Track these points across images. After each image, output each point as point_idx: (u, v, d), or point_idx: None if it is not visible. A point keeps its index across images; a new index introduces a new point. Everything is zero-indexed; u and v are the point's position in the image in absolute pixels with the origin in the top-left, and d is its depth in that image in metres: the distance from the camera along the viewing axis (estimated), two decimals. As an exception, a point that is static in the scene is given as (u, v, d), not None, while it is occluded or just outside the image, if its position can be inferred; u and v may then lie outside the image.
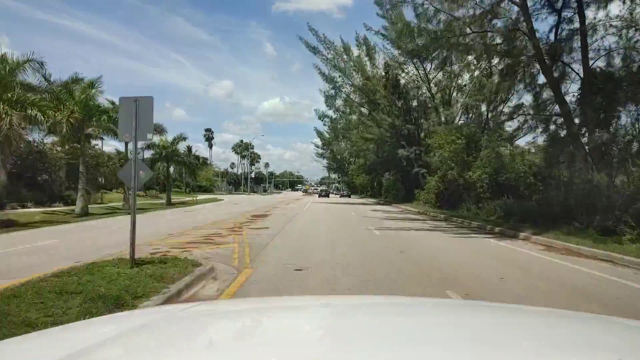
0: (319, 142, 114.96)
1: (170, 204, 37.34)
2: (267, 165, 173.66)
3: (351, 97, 40.10)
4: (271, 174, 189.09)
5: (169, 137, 39.13)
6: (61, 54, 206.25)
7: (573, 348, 1.20)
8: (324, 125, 65.62)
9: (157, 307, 2.87)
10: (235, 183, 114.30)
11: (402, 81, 39.57)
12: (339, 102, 46.60)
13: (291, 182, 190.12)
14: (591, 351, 1.18)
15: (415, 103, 39.71)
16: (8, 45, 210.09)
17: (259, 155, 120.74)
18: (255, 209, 29.32)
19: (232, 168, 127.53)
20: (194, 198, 43.01)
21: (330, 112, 65.59)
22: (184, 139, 39.63)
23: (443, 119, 36.67)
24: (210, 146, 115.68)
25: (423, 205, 34.06)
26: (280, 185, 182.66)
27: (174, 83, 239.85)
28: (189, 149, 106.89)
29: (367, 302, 2.17)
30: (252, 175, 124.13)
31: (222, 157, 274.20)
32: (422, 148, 38.30)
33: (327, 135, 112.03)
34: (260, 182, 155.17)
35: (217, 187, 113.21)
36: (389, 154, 39.80)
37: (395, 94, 39.10)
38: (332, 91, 39.47)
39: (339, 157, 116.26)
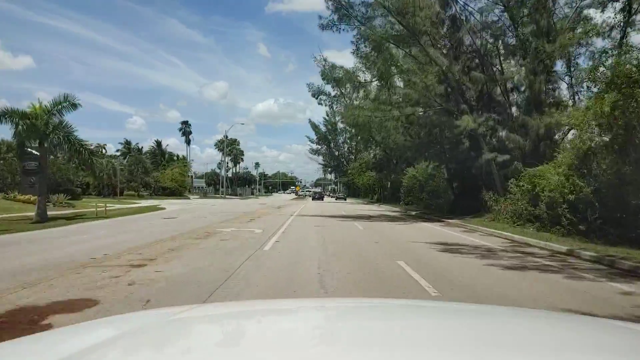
0: (314, 137, 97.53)
1: (44, 220, 19.67)
2: (257, 165, 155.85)
3: (367, 29, 22.37)
4: (263, 174, 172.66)
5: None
6: (55, 55, 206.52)
7: (572, 350, 1.16)
8: (320, 104, 48.20)
9: (151, 311, 2.33)
10: (217, 184, 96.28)
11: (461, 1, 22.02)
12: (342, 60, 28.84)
13: (284, 183, 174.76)
14: (591, 353, 1.14)
15: (478, 41, 22.16)
16: (0, 47, 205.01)
17: (242, 152, 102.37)
18: (156, 240, 11.86)
19: (220, 168, 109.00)
20: (97, 208, 25.16)
21: (328, 88, 48.37)
22: (74, 104, 22.02)
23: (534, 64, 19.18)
24: (188, 142, 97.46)
25: (516, 223, 16.66)
26: (270, 187, 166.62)
27: (168, 85, 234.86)
28: (159, 143, 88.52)
29: (363, 305, 2.11)
30: (230, 174, 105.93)
31: (216, 159, 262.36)
32: (497, 117, 20.79)
33: (323, 128, 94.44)
34: (249, 184, 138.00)
35: (199, 188, 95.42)
36: (433, 129, 22.22)
37: (444, 23, 21.58)
38: (334, 17, 21.83)
39: (337, 153, 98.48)
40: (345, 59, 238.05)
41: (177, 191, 64.73)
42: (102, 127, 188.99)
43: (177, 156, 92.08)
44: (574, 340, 1.28)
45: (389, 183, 45.18)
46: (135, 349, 1.21)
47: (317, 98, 48.68)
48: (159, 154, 71.54)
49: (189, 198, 59.36)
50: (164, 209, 31.42)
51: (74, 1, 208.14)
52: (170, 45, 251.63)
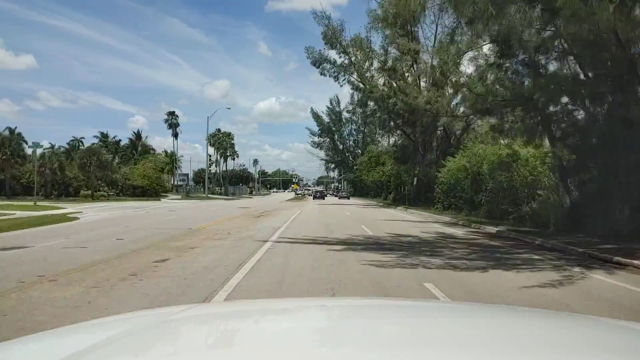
0: (316, 130, 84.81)
1: None
2: (255, 162, 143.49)
3: None
4: (262, 172, 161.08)
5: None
6: (56, 55, 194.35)
7: (572, 350, 1.13)
8: (322, 74, 36.19)
9: (151, 310, 2.27)
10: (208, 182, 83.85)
11: None
12: None
13: (285, 181, 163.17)
14: (591, 353, 1.11)
15: None
16: (2, 46, 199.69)
17: (233, 145, 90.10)
18: None
19: (217, 166, 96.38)
20: None
21: (333, 54, 36.24)
22: None
23: None
24: (176, 135, 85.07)
25: None
26: (268, 185, 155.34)
27: (170, 84, 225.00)
28: (138, 135, 75.66)
29: (365, 305, 2.03)
30: (218, 170, 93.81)
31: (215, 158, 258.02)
32: None
33: (327, 118, 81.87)
34: (246, 182, 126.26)
35: (191, 187, 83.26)
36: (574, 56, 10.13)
37: None
38: None
39: (341, 146, 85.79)
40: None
41: (151, 190, 52.62)
42: (104, 127, 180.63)
43: (169, 152, 79.98)
44: (575, 340, 1.25)
45: (415, 178, 32.98)
46: (133, 349, 1.17)
47: (318, 67, 36.37)
48: (130, 147, 59.21)
49: (159, 199, 47.19)
50: (74, 219, 19.36)
51: (76, 1, 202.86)
52: (172, 44, 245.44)
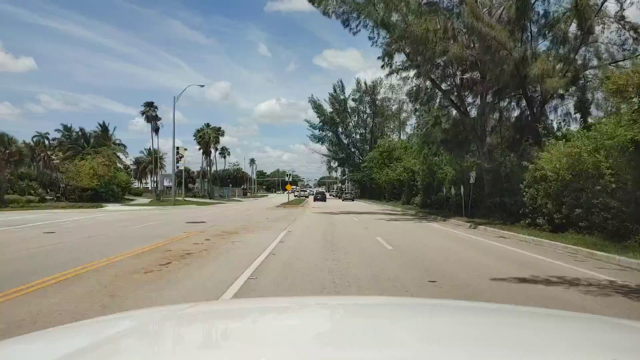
0: (315, 120, 71.84)
1: None
2: (252, 161, 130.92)
3: None
4: (262, 173, 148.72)
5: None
6: (57, 57, 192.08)
7: (569, 348, 1.12)
8: (326, 14, 23.81)
9: (156, 308, 2.28)
10: (188, 183, 71.31)
11: None
12: None
13: (284, 182, 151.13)
14: (588, 351, 1.10)
15: None
16: (1, 48, 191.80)
17: (218, 138, 77.30)
18: None
19: (210, 166, 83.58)
20: None
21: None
22: None
23: None
24: (156, 130, 72.67)
25: None
26: (265, 186, 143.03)
27: (171, 85, 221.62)
28: (104, 127, 61.54)
29: (368, 303, 2.04)
30: (195, 167, 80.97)
31: (216, 160, 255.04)
32: None
33: (329, 108, 68.93)
34: (241, 182, 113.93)
35: (159, 190, 70.74)
36: None
37: None
38: None
39: (346, 141, 72.95)
40: (346, 59, 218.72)
41: (107, 193, 40.12)
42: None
43: (152, 148, 67.35)
44: (579, 340, 1.22)
45: (473, 174, 20.42)
46: (134, 348, 1.15)
47: (318, 5, 23.53)
48: (76, 138, 46.42)
49: (103, 206, 34.44)
50: None
51: (76, 3, 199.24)
52: (173, 46, 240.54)
